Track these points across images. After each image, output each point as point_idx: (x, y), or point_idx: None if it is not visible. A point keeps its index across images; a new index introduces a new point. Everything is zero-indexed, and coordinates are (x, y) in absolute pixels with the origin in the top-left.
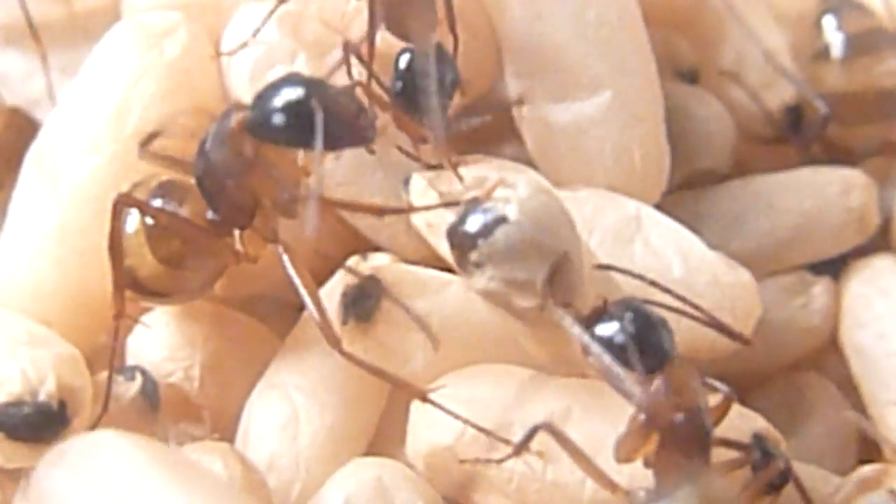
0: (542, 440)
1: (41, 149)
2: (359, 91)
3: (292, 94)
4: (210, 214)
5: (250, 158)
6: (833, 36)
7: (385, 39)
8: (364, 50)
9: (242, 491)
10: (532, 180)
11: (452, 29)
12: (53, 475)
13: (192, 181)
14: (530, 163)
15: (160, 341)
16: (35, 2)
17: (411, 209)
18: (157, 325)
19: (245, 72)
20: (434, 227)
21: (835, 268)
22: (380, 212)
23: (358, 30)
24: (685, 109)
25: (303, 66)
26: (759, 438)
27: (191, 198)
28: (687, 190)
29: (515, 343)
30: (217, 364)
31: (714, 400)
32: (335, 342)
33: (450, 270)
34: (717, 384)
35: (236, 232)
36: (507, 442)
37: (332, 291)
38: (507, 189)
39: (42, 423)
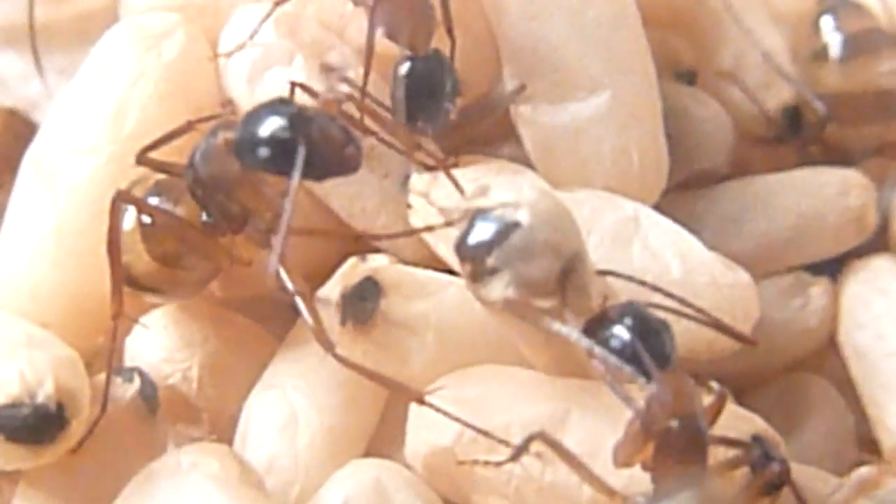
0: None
1: (39, 151)
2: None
3: (277, 125)
4: (203, 217)
5: (237, 175)
6: (831, 36)
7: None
8: (362, 55)
9: (240, 491)
10: (534, 182)
11: (450, 31)
12: None
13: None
14: (528, 163)
15: (159, 343)
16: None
17: (386, 235)
18: (156, 327)
19: (243, 73)
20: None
21: (833, 268)
22: (356, 236)
23: (355, 31)
24: (683, 110)
25: (300, 68)
26: (757, 440)
27: (186, 198)
28: (685, 191)
29: (514, 344)
30: (216, 365)
31: (707, 400)
32: (329, 346)
33: (449, 272)
34: (713, 383)
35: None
36: (505, 443)
37: (331, 293)
38: (509, 193)
39: (40, 425)
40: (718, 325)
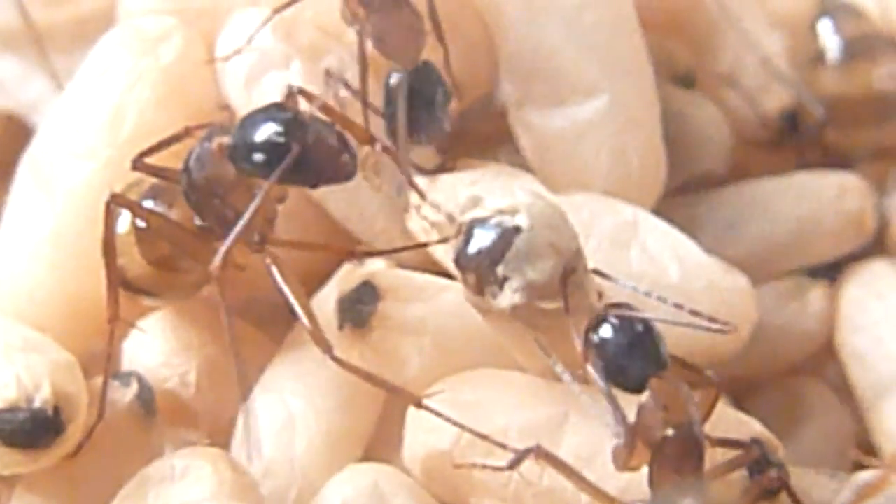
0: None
1: (36, 154)
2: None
3: (272, 130)
4: (197, 220)
5: (232, 179)
6: (829, 40)
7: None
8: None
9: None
10: (525, 185)
11: (441, 40)
12: None
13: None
14: (526, 167)
15: (156, 347)
16: (31, 6)
17: (377, 253)
18: (153, 331)
19: (240, 77)
20: (430, 232)
21: (831, 272)
22: (345, 255)
23: (352, 36)
24: (682, 114)
25: (297, 72)
26: (756, 444)
27: (181, 201)
28: (684, 194)
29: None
30: (213, 369)
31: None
32: (326, 348)
33: (446, 276)
34: (709, 372)
35: None
36: (503, 447)
37: (328, 297)
38: (502, 200)
39: (37, 430)
40: (701, 324)
